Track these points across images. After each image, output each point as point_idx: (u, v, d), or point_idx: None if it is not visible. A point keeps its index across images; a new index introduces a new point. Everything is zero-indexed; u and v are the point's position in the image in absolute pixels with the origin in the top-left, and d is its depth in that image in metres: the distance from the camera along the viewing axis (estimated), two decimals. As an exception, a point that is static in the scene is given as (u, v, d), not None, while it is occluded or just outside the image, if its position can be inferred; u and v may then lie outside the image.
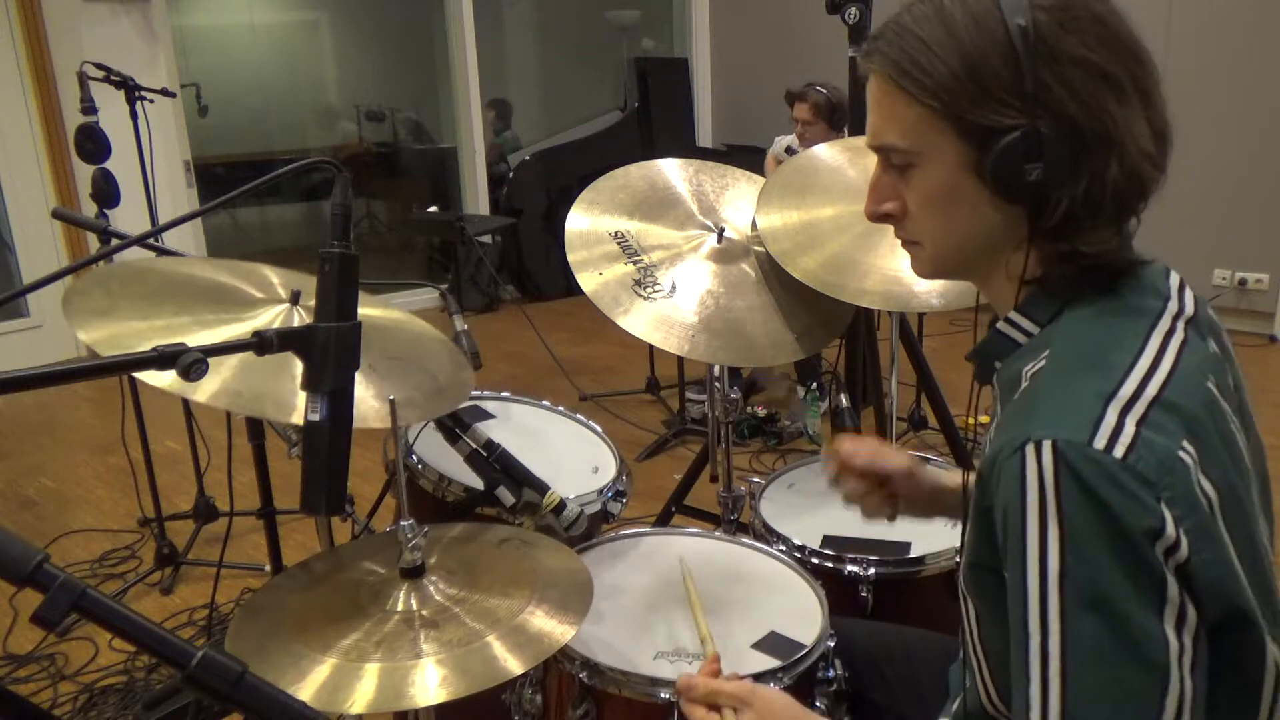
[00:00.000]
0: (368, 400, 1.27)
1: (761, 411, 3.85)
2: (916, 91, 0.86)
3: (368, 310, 1.51)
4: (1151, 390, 0.79)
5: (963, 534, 0.92)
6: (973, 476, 0.88)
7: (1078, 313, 0.88)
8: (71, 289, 1.28)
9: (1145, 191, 0.86)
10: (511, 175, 6.48)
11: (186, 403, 1.27)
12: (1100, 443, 0.75)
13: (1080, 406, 0.78)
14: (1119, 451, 0.75)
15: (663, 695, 1.18)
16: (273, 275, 1.45)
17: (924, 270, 0.98)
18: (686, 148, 6.89)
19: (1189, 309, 0.89)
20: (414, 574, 1.22)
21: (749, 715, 1.03)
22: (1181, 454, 0.77)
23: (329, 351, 0.95)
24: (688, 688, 1.09)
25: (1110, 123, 0.83)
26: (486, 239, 6.31)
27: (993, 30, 0.83)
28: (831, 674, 1.27)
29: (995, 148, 0.84)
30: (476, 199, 6.57)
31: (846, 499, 1.27)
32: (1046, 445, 0.76)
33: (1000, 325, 0.94)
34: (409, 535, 1.20)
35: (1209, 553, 0.76)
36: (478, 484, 1.48)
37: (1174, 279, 0.91)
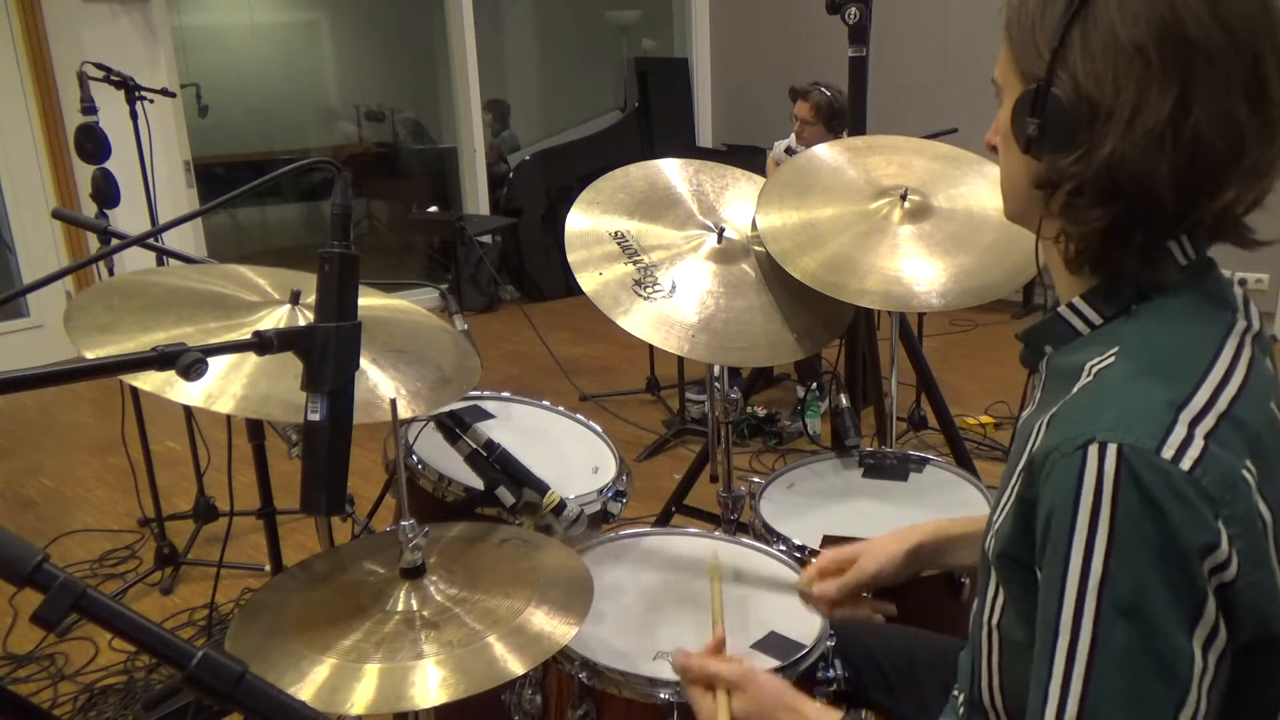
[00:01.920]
0: (375, 392, 1.27)
1: (761, 411, 3.85)
2: (1007, 29, 0.89)
3: (371, 301, 1.52)
4: (1222, 404, 0.78)
5: (990, 517, 0.91)
6: (1021, 464, 0.86)
7: (1149, 312, 0.86)
8: (72, 305, 1.28)
9: (1146, 184, 0.80)
10: (511, 175, 6.48)
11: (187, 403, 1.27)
12: (1168, 452, 0.74)
13: (1151, 413, 0.76)
14: (1186, 464, 0.74)
15: (662, 695, 1.18)
16: (273, 277, 1.45)
17: (1004, 209, 0.99)
18: (686, 148, 6.89)
19: (1255, 325, 0.88)
20: (414, 574, 1.21)
21: (742, 698, 1.04)
22: (1244, 473, 0.76)
23: (329, 351, 0.95)
24: (684, 668, 1.10)
25: (1115, 98, 0.79)
26: (486, 239, 6.31)
27: None
28: (831, 674, 1.27)
29: (1018, 95, 0.85)
30: (476, 199, 6.57)
31: (835, 619, 1.34)
32: (1111, 448, 0.74)
33: (1062, 310, 0.92)
34: (409, 535, 1.20)
35: (1257, 575, 0.75)
36: (478, 484, 1.48)
37: (1239, 292, 0.90)
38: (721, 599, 1.28)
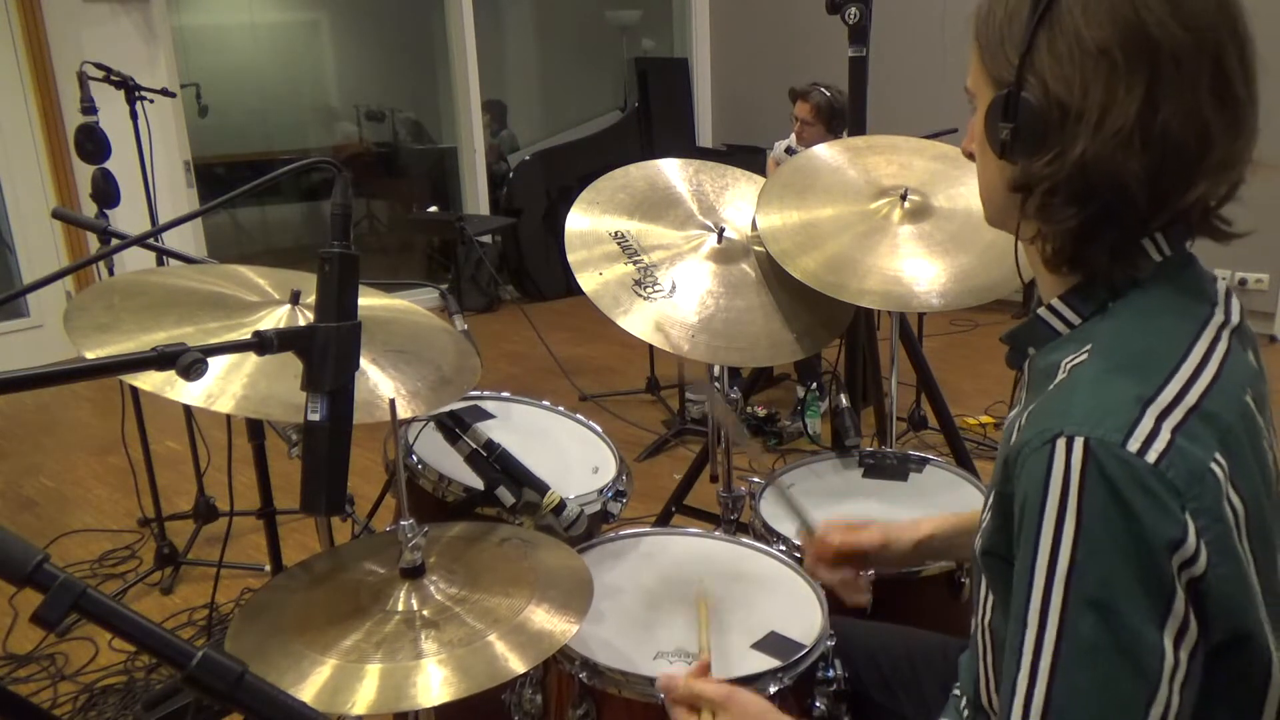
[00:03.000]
0: (375, 392, 1.27)
1: (761, 411, 3.85)
2: (976, 38, 0.90)
3: (371, 301, 1.52)
4: (1191, 398, 0.78)
5: (980, 520, 0.92)
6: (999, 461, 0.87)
7: (1124, 309, 0.87)
8: (72, 305, 1.28)
9: (1118, 182, 0.81)
10: (511, 175, 6.48)
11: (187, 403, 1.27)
12: (1134, 446, 0.75)
13: (1118, 407, 0.77)
14: (1151, 457, 0.74)
15: (662, 696, 1.18)
16: (273, 277, 1.45)
17: (983, 215, 0.99)
18: (686, 148, 6.89)
19: (1234, 318, 0.88)
20: (414, 574, 1.22)
21: (726, 718, 1.04)
22: (1213, 465, 0.76)
23: (329, 351, 0.95)
24: (669, 688, 1.10)
25: (1084, 99, 0.81)
26: (486, 239, 6.31)
27: None
28: (831, 674, 1.27)
29: (989, 102, 0.87)
30: (476, 199, 6.57)
31: (826, 586, 1.36)
32: (1078, 442, 0.75)
33: (1041, 312, 0.92)
34: (409, 535, 1.20)
35: (1226, 568, 0.75)
36: (478, 484, 1.48)
37: (1220, 285, 0.90)
38: (709, 629, 1.28)
